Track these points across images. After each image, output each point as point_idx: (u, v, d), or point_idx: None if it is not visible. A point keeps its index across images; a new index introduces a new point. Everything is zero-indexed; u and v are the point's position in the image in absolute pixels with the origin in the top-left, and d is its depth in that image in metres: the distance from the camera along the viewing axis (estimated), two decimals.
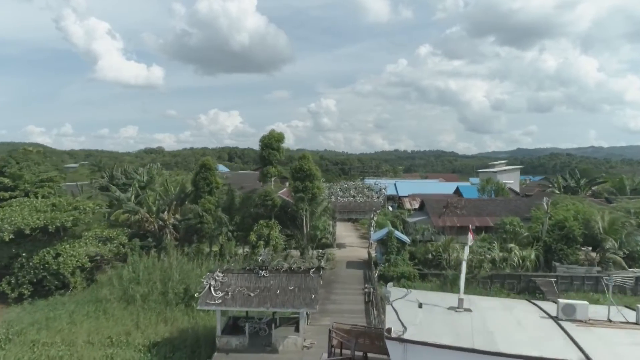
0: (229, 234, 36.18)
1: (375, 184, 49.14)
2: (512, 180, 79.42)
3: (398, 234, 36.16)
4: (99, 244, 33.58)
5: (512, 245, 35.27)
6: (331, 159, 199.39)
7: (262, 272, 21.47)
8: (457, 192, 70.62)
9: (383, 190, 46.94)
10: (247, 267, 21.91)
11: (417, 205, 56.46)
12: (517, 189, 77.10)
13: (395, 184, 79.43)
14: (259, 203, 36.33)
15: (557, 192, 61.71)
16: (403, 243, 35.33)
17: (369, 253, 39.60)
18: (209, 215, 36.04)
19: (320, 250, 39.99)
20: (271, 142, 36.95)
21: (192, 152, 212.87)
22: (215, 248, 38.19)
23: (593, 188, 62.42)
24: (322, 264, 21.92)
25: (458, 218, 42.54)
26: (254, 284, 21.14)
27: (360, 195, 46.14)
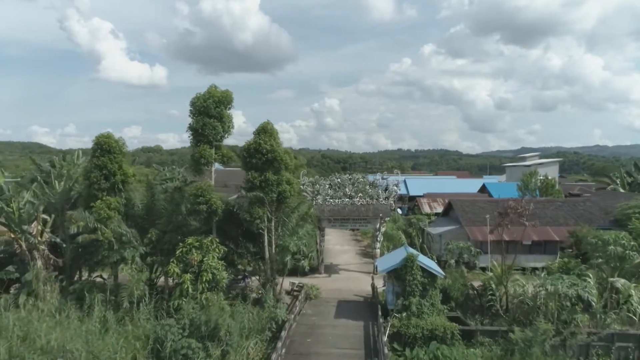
0: (138, 259, 21.50)
1: (382, 179, 34.28)
2: (549, 176, 65.03)
3: (423, 259, 21.54)
4: None
5: (620, 280, 20.51)
6: (333, 157, 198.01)
7: None
8: (484, 190, 56.32)
9: (395, 188, 32.06)
10: None
11: (439, 209, 41.81)
12: (556, 187, 62.53)
13: (405, 181, 64.71)
14: (189, 208, 21.64)
15: (622, 190, 46.87)
16: (432, 276, 20.68)
17: (373, 287, 24.88)
18: (106, 229, 21.43)
19: (296, 283, 25.39)
20: (207, 105, 21.35)
21: (190, 151, 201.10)
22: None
23: None
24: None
25: (508, 230, 27.77)
26: None
27: (360, 195, 31.33)
